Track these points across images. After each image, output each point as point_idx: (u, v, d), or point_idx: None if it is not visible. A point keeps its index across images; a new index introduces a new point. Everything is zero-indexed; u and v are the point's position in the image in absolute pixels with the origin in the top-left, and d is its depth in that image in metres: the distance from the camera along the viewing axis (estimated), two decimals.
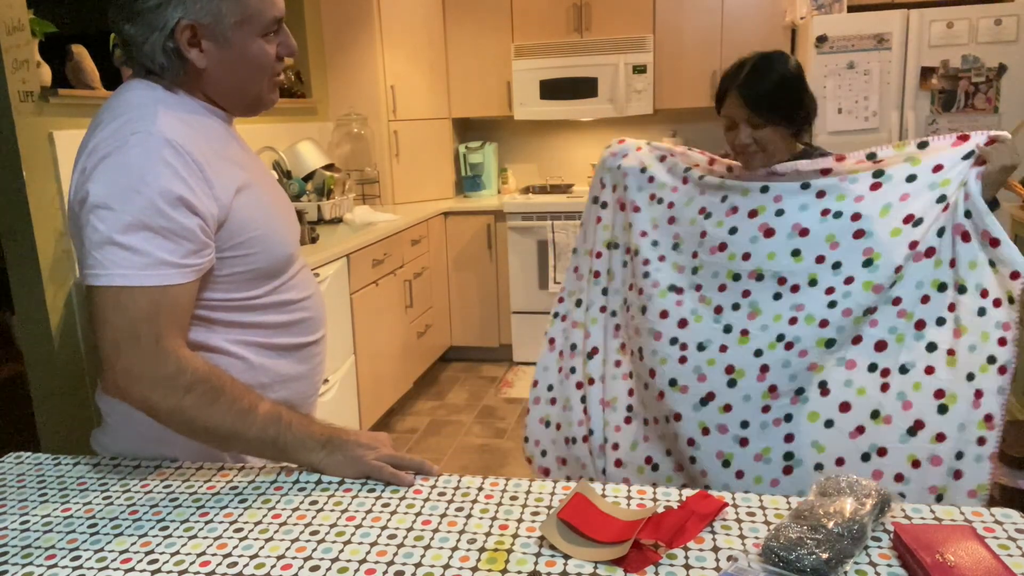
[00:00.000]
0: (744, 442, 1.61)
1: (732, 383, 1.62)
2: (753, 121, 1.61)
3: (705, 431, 1.64)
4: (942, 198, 1.49)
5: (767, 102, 1.60)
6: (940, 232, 1.50)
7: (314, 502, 1.01)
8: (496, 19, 4.20)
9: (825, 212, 1.56)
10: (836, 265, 1.56)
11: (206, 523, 0.96)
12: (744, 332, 1.62)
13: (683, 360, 1.68)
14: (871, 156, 1.57)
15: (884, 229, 1.53)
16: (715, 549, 0.87)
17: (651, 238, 1.81)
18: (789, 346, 1.58)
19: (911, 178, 1.52)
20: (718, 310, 1.66)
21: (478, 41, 4.25)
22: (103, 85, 2.44)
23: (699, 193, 1.75)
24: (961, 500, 1.45)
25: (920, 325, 1.51)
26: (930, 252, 1.50)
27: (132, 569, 0.87)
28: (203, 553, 0.89)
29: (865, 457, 1.51)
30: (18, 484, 1.09)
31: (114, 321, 0.98)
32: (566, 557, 0.86)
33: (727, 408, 1.62)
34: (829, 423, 1.55)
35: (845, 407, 1.53)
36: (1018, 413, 2.73)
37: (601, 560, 0.84)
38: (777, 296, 1.60)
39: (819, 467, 1.56)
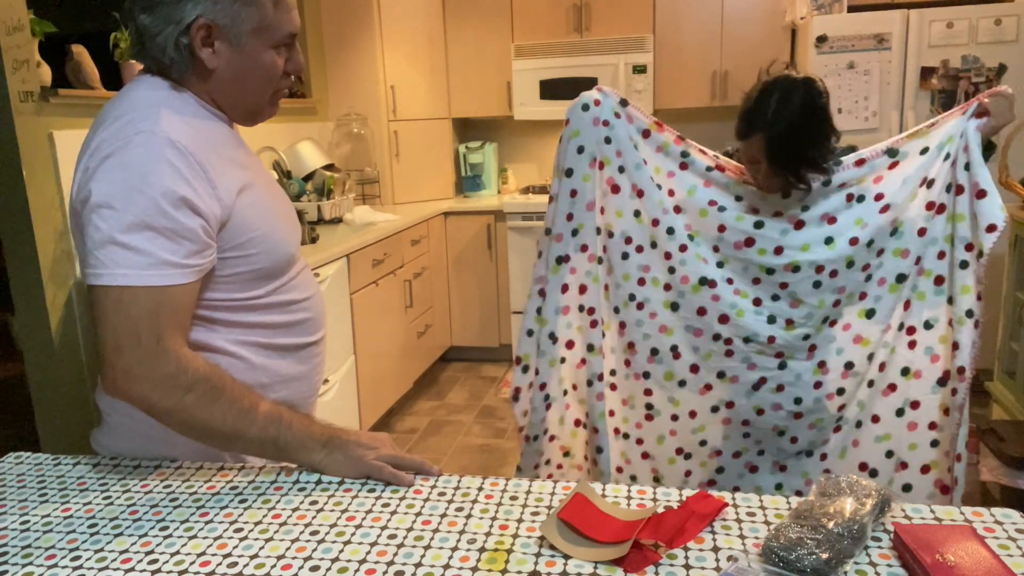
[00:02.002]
0: (798, 416, 1.70)
1: (783, 366, 1.67)
2: (776, 167, 1.56)
3: (760, 412, 1.71)
4: (947, 155, 1.54)
5: (792, 155, 1.54)
6: (948, 187, 1.55)
7: (314, 502, 1.01)
8: (496, 19, 4.20)
9: (849, 197, 1.59)
10: (869, 243, 1.59)
11: (206, 523, 0.96)
12: (790, 321, 1.64)
13: (729, 353, 1.69)
14: (890, 152, 1.61)
15: (904, 197, 1.57)
16: (715, 549, 0.87)
17: (665, 225, 1.69)
18: (833, 323, 1.63)
19: (924, 150, 1.57)
20: (757, 302, 1.65)
21: (478, 41, 4.25)
22: (103, 85, 2.44)
23: (702, 184, 1.67)
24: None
25: (939, 280, 1.57)
26: (941, 208, 1.55)
27: (132, 569, 0.87)
28: (203, 553, 0.89)
29: (899, 412, 1.63)
30: (18, 484, 1.09)
31: (115, 321, 0.98)
32: (566, 557, 0.86)
33: (780, 388, 1.69)
34: (870, 383, 1.65)
35: (881, 367, 1.64)
36: (1018, 413, 2.73)
37: (601, 560, 0.84)
38: (817, 284, 1.61)
39: (859, 424, 1.68)
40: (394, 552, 0.88)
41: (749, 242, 1.63)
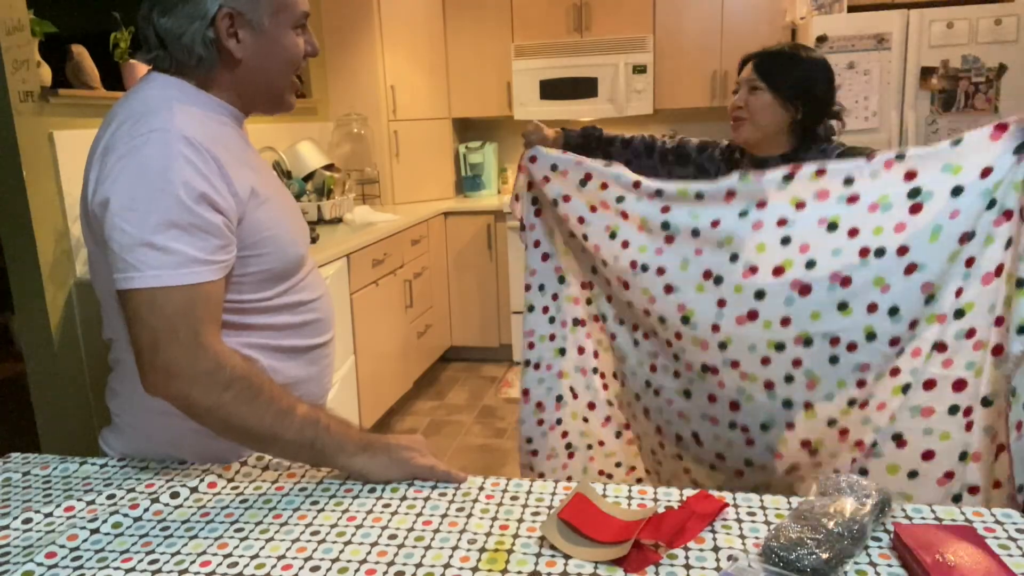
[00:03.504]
0: None
1: (813, 452, 1.44)
2: (753, 83, 1.65)
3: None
4: (992, 203, 1.23)
5: (771, 63, 1.64)
6: (1007, 245, 1.24)
7: (315, 502, 1.01)
8: (496, 19, 4.20)
9: (864, 252, 1.30)
10: (893, 311, 1.30)
11: (207, 523, 0.97)
12: (808, 405, 1.40)
13: (750, 442, 1.48)
14: (900, 157, 1.28)
15: (940, 257, 1.26)
16: (715, 549, 0.87)
17: (656, 315, 1.53)
18: (864, 405, 1.37)
19: (957, 191, 1.24)
20: (769, 385, 1.41)
21: (478, 41, 4.25)
22: (103, 85, 2.44)
23: (694, 253, 1.45)
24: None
25: (997, 351, 1.27)
26: (999, 270, 1.25)
27: (133, 569, 0.87)
28: (203, 553, 0.89)
29: (956, 498, 1.36)
30: (23, 484, 1.09)
31: (151, 321, 0.98)
32: (566, 557, 0.86)
33: (816, 467, 1.47)
34: (913, 474, 1.36)
35: (928, 455, 1.34)
36: None
37: (601, 560, 0.84)
38: (834, 360, 1.36)
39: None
40: (395, 552, 0.88)
41: (752, 315, 1.39)
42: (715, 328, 1.43)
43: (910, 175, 1.27)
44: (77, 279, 2.27)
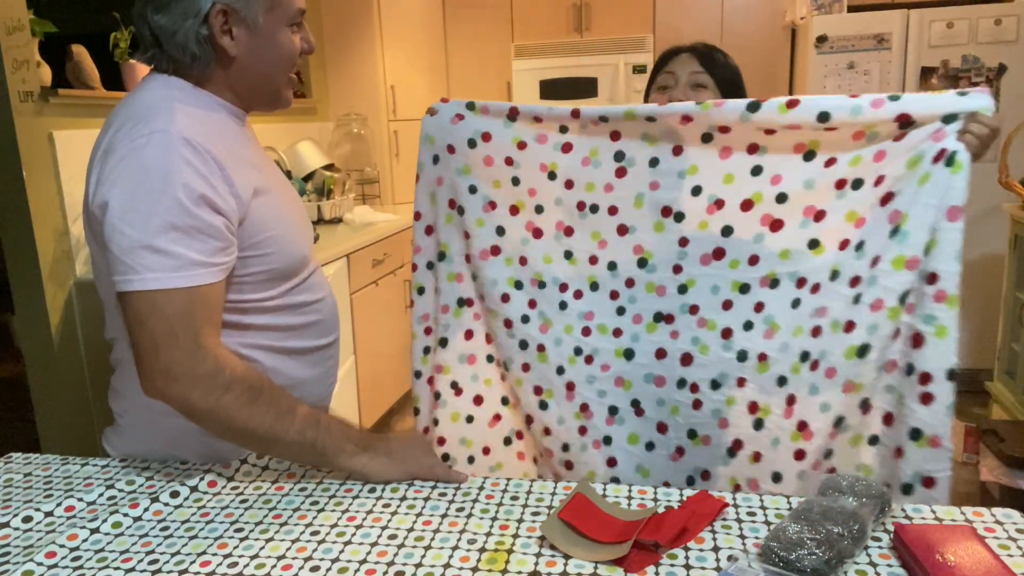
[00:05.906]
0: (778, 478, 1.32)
1: (759, 424, 1.29)
2: (698, 79, 1.43)
3: (736, 487, 1.32)
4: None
5: (711, 56, 1.45)
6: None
7: (315, 502, 1.01)
8: (496, 19, 4.20)
9: (841, 184, 1.20)
10: (859, 246, 1.20)
11: (207, 523, 0.97)
12: (762, 357, 1.27)
13: (697, 404, 1.32)
14: (893, 98, 1.15)
15: (912, 181, 1.15)
16: (715, 549, 0.87)
17: (605, 260, 1.38)
18: (815, 365, 1.25)
19: (949, 118, 1.14)
20: (726, 334, 1.30)
21: (478, 41, 4.25)
22: (103, 85, 2.44)
23: (649, 187, 1.32)
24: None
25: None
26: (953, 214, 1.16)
27: (133, 569, 0.87)
28: (203, 553, 0.89)
29: (906, 489, 1.25)
30: (24, 484, 1.09)
31: (151, 324, 0.98)
32: (566, 557, 0.86)
33: (757, 457, 1.30)
34: (873, 440, 1.27)
35: (887, 419, 1.25)
36: (1018, 413, 2.73)
37: (601, 560, 0.84)
38: (796, 303, 1.25)
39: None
40: (394, 552, 0.88)
41: (718, 253, 1.29)
42: (677, 269, 1.33)
43: (903, 117, 1.15)
44: (77, 279, 2.27)
